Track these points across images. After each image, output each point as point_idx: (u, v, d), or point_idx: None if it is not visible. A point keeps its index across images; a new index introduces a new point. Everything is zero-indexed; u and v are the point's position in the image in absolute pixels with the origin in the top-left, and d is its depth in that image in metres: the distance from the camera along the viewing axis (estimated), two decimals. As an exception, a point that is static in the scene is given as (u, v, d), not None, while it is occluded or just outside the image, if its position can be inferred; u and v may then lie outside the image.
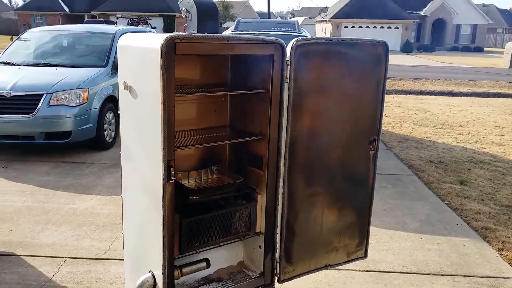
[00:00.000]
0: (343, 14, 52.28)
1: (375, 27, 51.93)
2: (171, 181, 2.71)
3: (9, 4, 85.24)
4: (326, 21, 54.53)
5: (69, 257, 4.17)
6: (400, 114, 12.24)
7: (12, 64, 8.15)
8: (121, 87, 2.97)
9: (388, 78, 19.73)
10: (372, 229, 5.01)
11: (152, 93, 2.65)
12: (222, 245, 3.18)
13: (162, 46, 2.52)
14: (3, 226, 4.77)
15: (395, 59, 33.80)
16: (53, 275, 3.87)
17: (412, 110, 12.99)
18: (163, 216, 2.74)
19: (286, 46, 3.07)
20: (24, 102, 6.98)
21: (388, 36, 48.19)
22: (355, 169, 3.66)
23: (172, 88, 2.62)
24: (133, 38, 2.94)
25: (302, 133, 3.27)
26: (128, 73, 2.95)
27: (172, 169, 2.70)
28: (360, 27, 52.13)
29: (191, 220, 2.93)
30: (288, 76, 3.09)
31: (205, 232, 3.02)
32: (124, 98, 3.01)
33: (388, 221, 5.36)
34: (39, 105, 6.93)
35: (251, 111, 3.34)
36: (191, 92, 3.15)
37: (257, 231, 3.33)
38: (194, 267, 3.10)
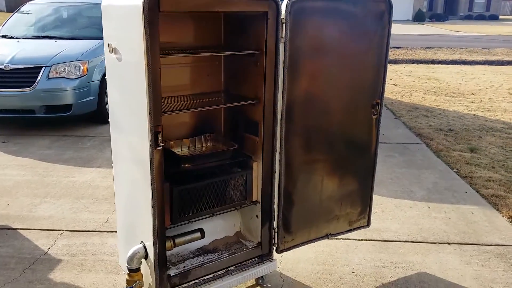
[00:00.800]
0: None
1: (386, -4, 50.50)
2: (158, 148, 2.57)
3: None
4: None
5: (66, 230, 4.11)
6: (410, 83, 11.93)
7: (11, 38, 8.00)
8: (106, 50, 2.81)
9: (399, 47, 19.29)
10: (377, 198, 4.89)
11: (136, 54, 2.49)
12: (217, 214, 3.06)
13: (144, 2, 2.34)
14: (1, 200, 4.71)
15: (406, 29, 33.09)
16: (49, 248, 3.80)
17: (422, 79, 12.65)
18: (151, 184, 2.61)
19: (282, 3, 2.88)
20: (23, 75, 6.86)
21: (399, 5, 46.85)
22: (356, 134, 3.49)
23: (157, 48, 2.45)
24: (116, -3, 2.77)
25: (299, 96, 3.09)
26: (112, 35, 2.78)
27: (159, 135, 2.56)
28: (371, -4, 50.77)
29: (182, 188, 2.80)
30: (283, 36, 2.90)
31: (198, 201, 2.90)
32: (109, 61, 2.85)
33: (394, 189, 5.21)
34: (38, 78, 6.81)
35: (246, 74, 3.17)
36: (179, 53, 2.97)
37: (253, 200, 3.20)
38: (188, 237, 2.99)
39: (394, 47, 18.91)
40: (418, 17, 46.66)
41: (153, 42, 2.42)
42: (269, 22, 2.85)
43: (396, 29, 28.91)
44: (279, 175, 3.17)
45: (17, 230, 4.10)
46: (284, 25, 2.87)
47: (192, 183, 2.85)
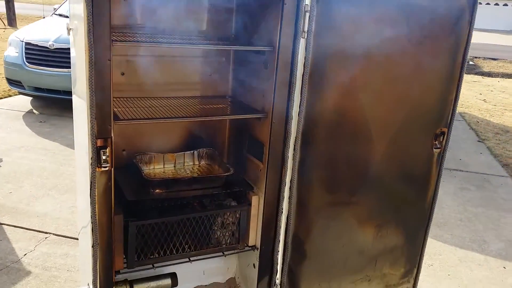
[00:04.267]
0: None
1: (487, 3, 46.01)
2: (103, 169, 1.85)
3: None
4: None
5: (53, 234, 3.57)
6: (503, 101, 10.29)
7: (67, 17, 7.77)
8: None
9: (495, 59, 17.10)
10: (437, 245, 3.87)
11: (80, 39, 1.78)
12: (194, 260, 2.29)
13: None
14: (6, 187, 4.31)
15: (506, 40, 29.91)
16: (25, 254, 3.28)
17: (520, 97, 10.92)
18: (91, 217, 1.91)
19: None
20: (67, 55, 6.52)
21: (500, 12, 42.39)
22: (408, 172, 2.54)
23: (106, 31, 1.72)
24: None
25: (324, 115, 2.23)
26: (71, 14, 2.12)
27: (105, 151, 1.83)
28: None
29: (141, 224, 2.07)
30: (305, 29, 2.04)
31: (166, 241, 2.15)
32: (70, 46, 2.20)
33: (461, 236, 4.12)
34: (83, 58, 6.45)
35: (254, 78, 2.36)
36: (140, 42, 2.18)
37: (249, 244, 2.40)
38: (152, 284, 2.26)
39: (490, 58, 16.88)
40: (525, 27, 42.22)
41: (99, 21, 1.69)
42: (286, 9, 2.01)
43: (494, 39, 26.19)
44: (287, 217, 2.33)
45: (3, 225, 3.64)
46: (307, 14, 2.01)
47: (158, 216, 2.11)
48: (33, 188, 4.33)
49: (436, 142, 2.51)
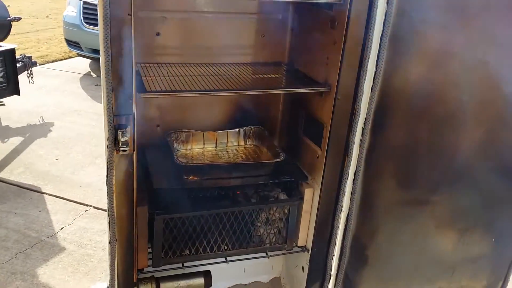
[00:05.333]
0: None
1: None
2: (121, 152, 1.50)
3: None
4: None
5: (94, 207, 3.36)
6: None
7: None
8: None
9: None
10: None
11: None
12: (231, 261, 1.92)
13: None
14: (53, 153, 4.16)
15: None
16: (62, 228, 3.09)
17: None
18: (108, 208, 1.58)
19: None
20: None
21: None
22: (506, 166, 2.01)
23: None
24: None
25: (405, 90, 1.74)
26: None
27: (124, 131, 1.47)
28: None
29: (169, 218, 1.71)
30: (387, -24, 1.54)
31: (198, 238, 1.79)
32: None
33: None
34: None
35: (317, 41, 1.89)
36: None
37: (299, 245, 2.00)
38: (182, 283, 1.93)
39: None
40: None
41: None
42: None
43: None
44: (348, 215, 1.89)
45: (44, 195, 3.47)
46: (392, -46, 1.50)
47: (191, 209, 1.75)
48: (80, 155, 4.15)
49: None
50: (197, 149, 2.07)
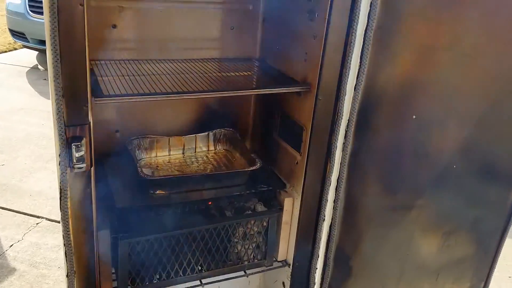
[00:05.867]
0: None
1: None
2: (77, 170, 1.27)
3: None
4: None
5: (46, 218, 3.07)
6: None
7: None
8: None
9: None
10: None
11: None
12: (207, 284, 1.73)
13: None
14: (-2, 158, 3.81)
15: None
16: (11, 245, 2.79)
17: None
18: (63, 237, 1.35)
19: None
20: None
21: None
22: (490, 165, 1.92)
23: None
24: None
25: (389, 88, 1.60)
26: None
27: (79, 145, 1.25)
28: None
29: (135, 241, 1.50)
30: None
31: (170, 261, 1.59)
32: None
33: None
34: None
35: (295, 34, 1.72)
36: None
37: (279, 259, 1.83)
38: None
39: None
40: None
41: None
42: None
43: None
44: (331, 225, 1.74)
45: (-11, 208, 3.15)
46: None
47: (160, 229, 1.54)
48: (29, 159, 3.82)
49: (531, 125, 1.87)
50: (163, 156, 1.86)
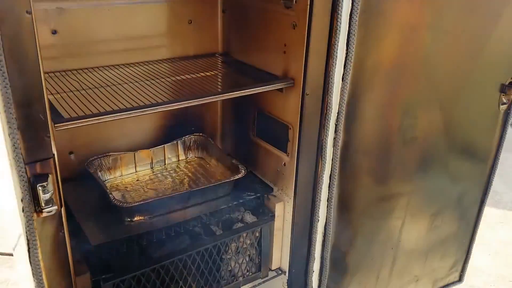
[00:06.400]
0: None
1: None
2: (45, 214, 1.03)
3: None
4: None
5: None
6: None
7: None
8: None
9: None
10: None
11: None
12: (201, 309, 1.55)
13: None
14: None
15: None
16: None
17: None
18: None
19: None
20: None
21: None
22: (467, 140, 1.90)
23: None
24: None
25: (377, 74, 1.49)
26: None
27: (45, 185, 1.01)
28: None
29: (118, 280, 1.28)
30: None
31: (159, 293, 1.40)
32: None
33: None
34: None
35: (267, 23, 1.55)
36: None
37: (273, 267, 1.70)
38: None
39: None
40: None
41: None
42: None
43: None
44: (325, 225, 1.63)
45: None
46: None
47: (145, 262, 1.33)
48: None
49: (503, 96, 1.86)
50: (129, 175, 1.63)
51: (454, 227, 2.06)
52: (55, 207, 1.04)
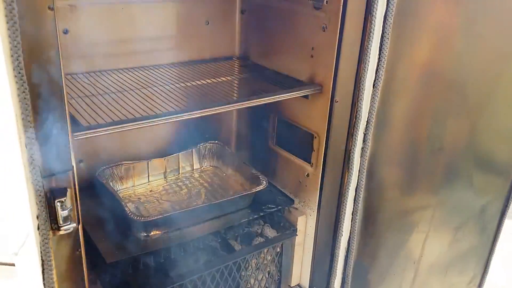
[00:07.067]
0: None
1: None
2: (63, 232, 0.93)
3: None
4: None
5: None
6: None
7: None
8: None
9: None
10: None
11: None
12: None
13: None
14: None
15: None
16: None
17: None
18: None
19: None
20: None
21: None
22: (492, 149, 1.83)
23: None
24: None
25: (408, 80, 1.41)
26: None
27: (64, 201, 0.91)
28: None
29: (138, 302, 1.18)
30: None
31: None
32: None
33: None
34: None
35: (291, 26, 1.46)
36: None
37: (292, 284, 1.60)
38: None
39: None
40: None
41: None
42: None
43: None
44: (349, 240, 1.54)
45: None
46: None
47: (163, 282, 1.24)
48: None
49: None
50: (142, 185, 1.53)
51: (475, 241, 1.99)
52: (74, 225, 0.94)
